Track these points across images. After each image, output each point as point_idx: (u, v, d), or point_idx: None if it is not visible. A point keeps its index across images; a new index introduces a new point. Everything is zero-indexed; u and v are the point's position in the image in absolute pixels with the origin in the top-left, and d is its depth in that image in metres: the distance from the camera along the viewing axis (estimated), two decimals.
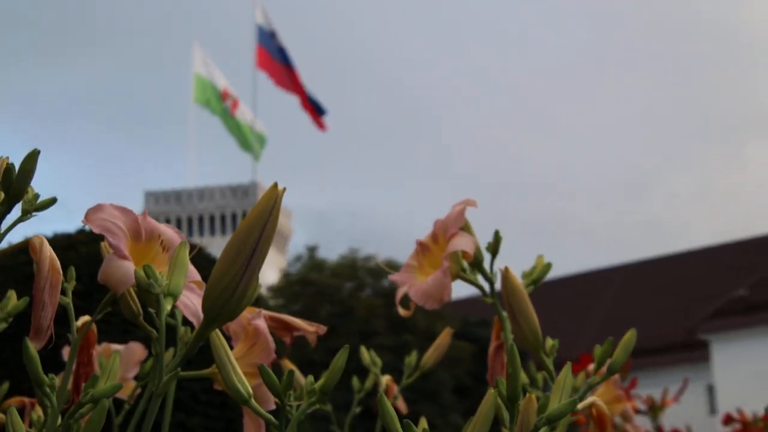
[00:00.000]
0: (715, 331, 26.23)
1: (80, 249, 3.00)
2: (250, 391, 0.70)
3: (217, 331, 0.73)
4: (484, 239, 1.11)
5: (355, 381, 1.57)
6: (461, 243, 1.04)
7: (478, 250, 1.08)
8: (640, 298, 33.90)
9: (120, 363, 1.09)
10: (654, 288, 34.07)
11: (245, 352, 0.83)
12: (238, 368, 0.71)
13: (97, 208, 0.78)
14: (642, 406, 2.68)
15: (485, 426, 0.65)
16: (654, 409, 2.66)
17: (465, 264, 1.10)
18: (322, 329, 0.97)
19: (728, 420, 2.48)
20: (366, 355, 1.54)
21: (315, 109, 33.14)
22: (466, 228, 1.08)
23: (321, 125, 33.70)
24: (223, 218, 49.28)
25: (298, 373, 1.24)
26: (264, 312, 0.91)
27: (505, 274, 0.94)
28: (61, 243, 3.06)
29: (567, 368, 0.70)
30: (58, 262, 0.75)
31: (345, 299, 22.76)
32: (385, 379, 1.55)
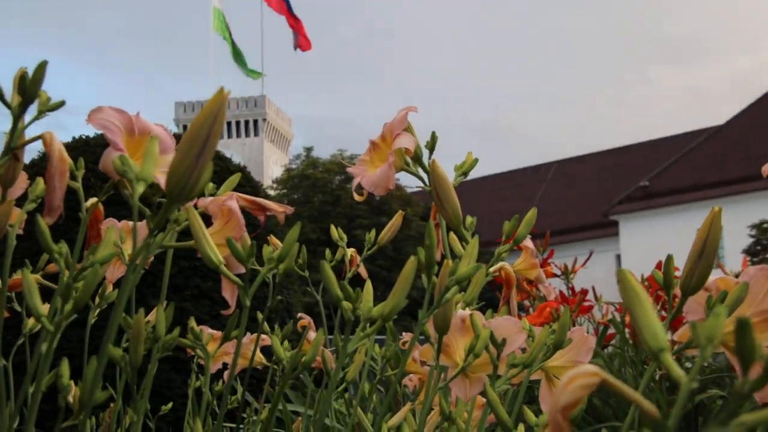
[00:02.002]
0: (622, 212, 26.61)
1: None
2: (221, 258, 0.69)
3: (194, 211, 0.71)
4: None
5: (327, 252, 1.56)
6: (404, 141, 1.02)
7: (418, 148, 1.06)
8: (567, 187, 34.21)
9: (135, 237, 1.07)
10: (578, 180, 34.36)
11: (221, 228, 0.81)
12: (210, 240, 0.69)
13: (98, 110, 0.75)
14: (558, 271, 2.70)
15: (407, 283, 0.64)
16: (566, 274, 2.69)
17: (408, 159, 1.08)
18: (290, 209, 0.95)
19: None
20: (334, 232, 1.53)
21: (301, 35, 32.85)
22: (408, 129, 1.05)
23: (305, 47, 33.46)
24: (237, 124, 48.68)
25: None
26: (238, 194, 0.89)
27: (433, 165, 0.92)
28: (101, 142, 3.04)
29: (474, 241, 0.68)
30: (66, 153, 0.72)
31: (334, 189, 22.96)
32: (350, 251, 1.54)
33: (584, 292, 2.57)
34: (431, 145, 1.09)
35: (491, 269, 0.94)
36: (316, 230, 18.37)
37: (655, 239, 24.86)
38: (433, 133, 1.09)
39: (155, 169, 0.55)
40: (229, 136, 48.10)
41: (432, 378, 0.82)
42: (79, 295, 0.57)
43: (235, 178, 0.97)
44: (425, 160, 1.10)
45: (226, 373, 1.33)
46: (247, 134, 48.28)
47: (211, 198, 0.85)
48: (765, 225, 20.15)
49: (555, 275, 2.67)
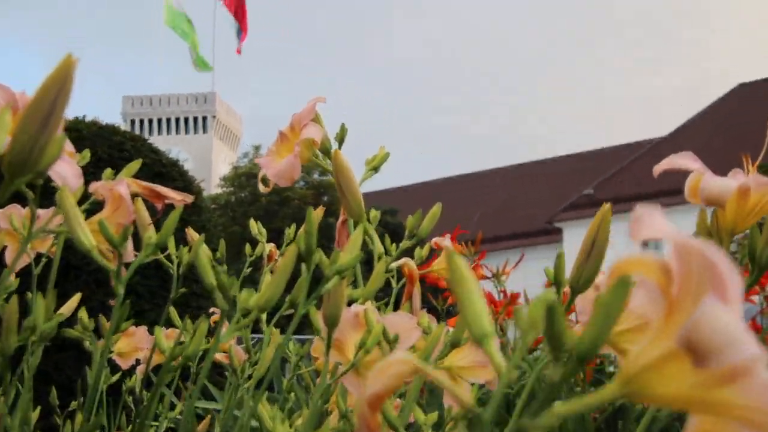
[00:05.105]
0: (566, 220, 27.00)
1: (83, 131, 3.21)
2: (93, 243, 0.66)
3: (67, 192, 0.67)
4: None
5: (247, 248, 1.53)
6: (311, 132, 1.00)
7: (326, 140, 1.03)
8: (513, 193, 34.61)
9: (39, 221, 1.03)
10: (524, 186, 34.79)
11: (110, 213, 0.78)
12: (84, 224, 0.66)
13: None
14: (488, 274, 2.70)
15: (285, 273, 0.62)
16: (497, 276, 2.68)
17: (317, 151, 1.06)
18: (189, 198, 0.92)
19: None
20: (254, 226, 1.49)
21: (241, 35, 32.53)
22: (316, 120, 1.03)
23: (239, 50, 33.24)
24: (186, 120, 48.05)
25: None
26: (133, 180, 0.85)
27: (335, 155, 0.90)
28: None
29: (360, 229, 0.66)
30: None
31: (282, 189, 22.78)
32: (269, 247, 1.51)
33: (514, 295, 2.57)
34: (340, 137, 1.07)
35: (393, 264, 0.92)
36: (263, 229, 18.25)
37: None
38: (342, 125, 1.07)
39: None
40: (177, 131, 47.50)
41: (324, 374, 0.79)
42: None
43: (134, 165, 0.94)
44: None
45: (138, 368, 1.30)
46: (195, 131, 47.70)
47: (101, 182, 0.82)
48: None
49: (486, 277, 2.66)
